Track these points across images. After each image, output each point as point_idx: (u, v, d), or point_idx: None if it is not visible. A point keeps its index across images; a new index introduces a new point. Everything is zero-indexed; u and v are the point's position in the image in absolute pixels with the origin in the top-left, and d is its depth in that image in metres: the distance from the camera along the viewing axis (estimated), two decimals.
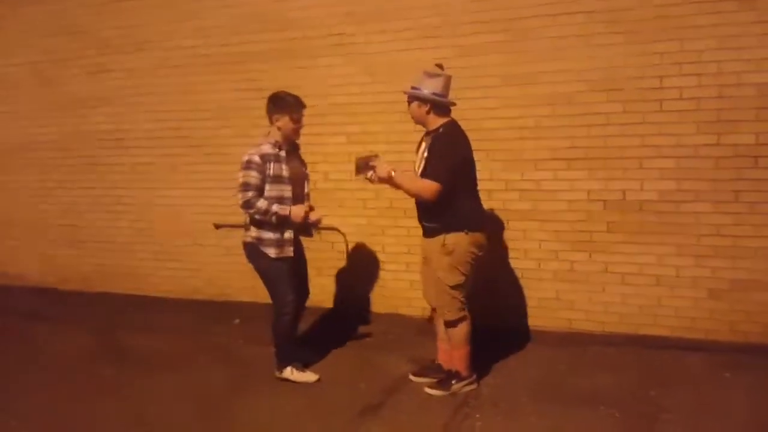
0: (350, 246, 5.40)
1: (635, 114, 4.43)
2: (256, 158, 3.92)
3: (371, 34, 5.04)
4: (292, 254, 4.08)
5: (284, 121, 4.01)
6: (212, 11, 5.66)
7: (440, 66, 3.80)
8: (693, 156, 4.34)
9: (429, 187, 3.60)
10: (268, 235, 4.01)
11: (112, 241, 6.29)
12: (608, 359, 4.28)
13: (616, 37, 4.40)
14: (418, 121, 3.83)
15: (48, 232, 6.61)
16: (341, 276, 5.47)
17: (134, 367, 4.52)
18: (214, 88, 5.68)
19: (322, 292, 5.47)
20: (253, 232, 4.04)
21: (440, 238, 3.70)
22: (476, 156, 4.76)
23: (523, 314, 4.84)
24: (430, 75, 3.73)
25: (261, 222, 3.99)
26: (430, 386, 3.90)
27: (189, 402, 3.97)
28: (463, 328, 3.83)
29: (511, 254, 4.82)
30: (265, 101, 5.49)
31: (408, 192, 3.73)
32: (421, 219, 3.87)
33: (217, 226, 5.77)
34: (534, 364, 4.26)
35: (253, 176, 3.90)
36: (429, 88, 3.71)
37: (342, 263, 5.45)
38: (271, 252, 4.02)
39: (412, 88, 3.77)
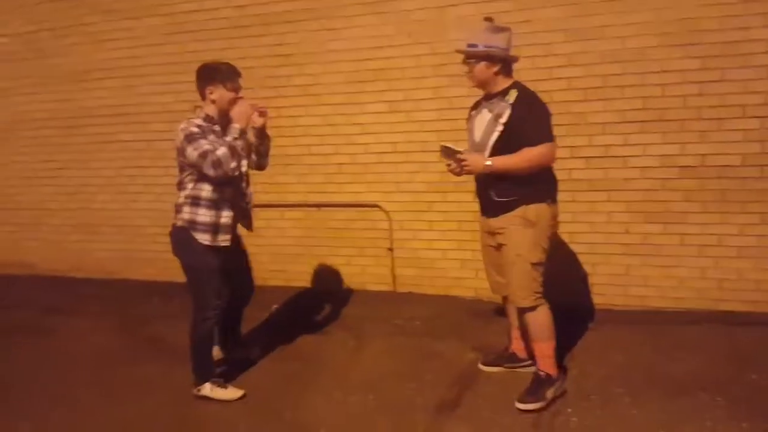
0: (394, 224, 4.98)
1: (715, 71, 4.03)
2: (194, 128, 3.31)
3: None
4: (228, 244, 3.50)
5: (219, 92, 3.39)
6: None
7: (490, 19, 3.32)
8: None
9: (544, 151, 3.14)
10: (203, 218, 3.40)
11: (129, 225, 5.83)
12: (693, 339, 3.93)
13: None
14: (481, 84, 3.29)
15: (54, 217, 6.13)
16: (385, 257, 5.06)
17: (172, 363, 4.08)
18: (235, 55, 5.14)
19: (363, 273, 5.10)
20: (186, 214, 3.41)
21: (520, 210, 3.22)
22: None
23: (590, 291, 4.49)
24: (497, 29, 3.23)
25: (197, 202, 3.39)
26: (522, 400, 3.30)
27: (243, 400, 3.60)
28: (544, 316, 3.33)
29: (576, 228, 4.44)
30: (292, 68, 5.10)
31: (522, 169, 3.15)
32: (489, 194, 3.31)
33: None
34: (615, 347, 3.89)
35: (205, 143, 3.27)
36: (499, 44, 3.20)
37: (385, 243, 5.03)
38: (205, 239, 3.41)
39: (470, 45, 3.24)
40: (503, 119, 3.17)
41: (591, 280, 4.48)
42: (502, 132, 3.18)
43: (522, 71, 4.28)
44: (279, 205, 5.13)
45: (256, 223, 5.27)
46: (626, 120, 4.22)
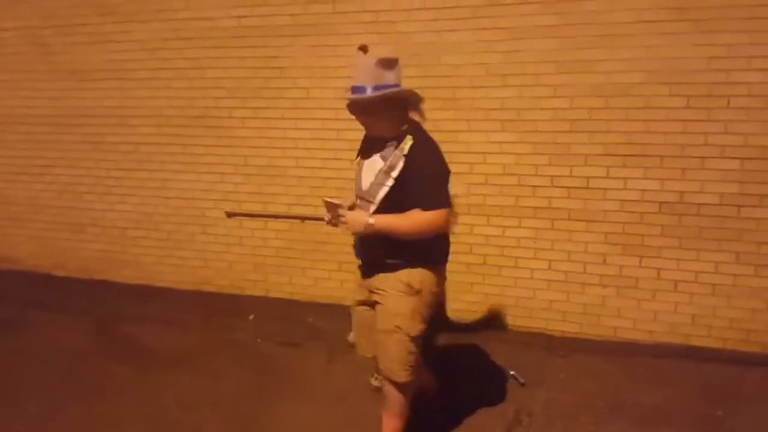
0: None
1: (700, 110, 4.09)
2: None
3: (412, 11, 4.61)
4: None
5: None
6: None
7: (364, 49, 2.89)
8: (759, 158, 4.01)
9: (436, 218, 2.72)
10: None
11: (113, 226, 5.84)
12: (662, 372, 3.97)
13: (683, 25, 4.03)
14: (379, 131, 2.92)
15: (42, 214, 6.13)
16: None
17: (146, 366, 4.17)
18: (231, 65, 5.24)
19: (342, 288, 5.09)
20: None
21: (404, 274, 2.84)
22: (521, 149, 4.49)
23: (565, 320, 4.52)
24: (390, 63, 2.80)
25: None
26: None
27: (212, 407, 3.66)
28: (410, 394, 3.05)
29: (553, 256, 4.49)
30: (285, 80, 5.15)
31: (408, 234, 2.75)
32: (371, 254, 2.92)
33: (229, 215, 5.30)
34: (584, 376, 3.93)
35: None
36: (393, 81, 2.82)
37: None
38: None
39: (359, 89, 2.79)
40: (395, 173, 2.76)
41: (565, 308, 4.51)
42: (393, 187, 2.77)
43: (509, 100, 4.44)
44: (264, 215, 5.15)
45: (239, 232, 5.39)
46: (609, 153, 4.27)
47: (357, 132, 4.86)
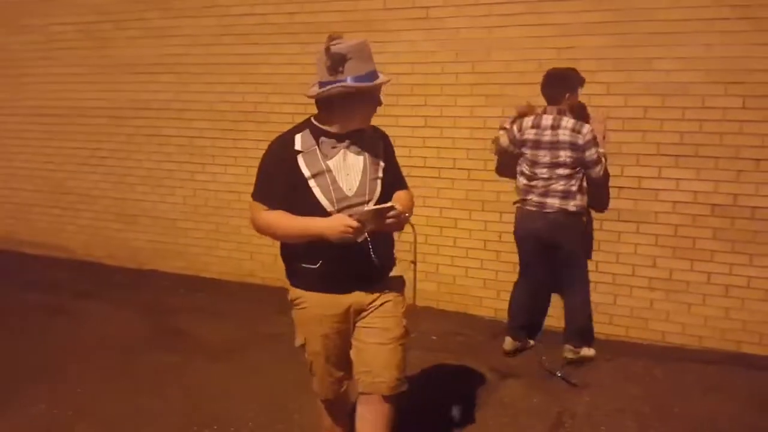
0: (419, 237, 5.01)
1: (756, 111, 3.96)
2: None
3: (462, 7, 4.59)
4: None
5: (575, 97, 4.02)
6: None
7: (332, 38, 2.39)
8: None
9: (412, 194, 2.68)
10: (583, 203, 4.00)
11: (164, 217, 6.00)
12: (712, 379, 3.86)
13: (744, 23, 3.92)
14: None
15: (96, 204, 6.33)
16: (407, 270, 5.07)
17: (193, 355, 4.24)
18: (280, 61, 5.31)
19: None
20: (579, 200, 3.95)
21: (400, 274, 2.63)
22: None
23: (611, 323, 4.45)
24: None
25: (582, 191, 3.97)
26: None
27: (253, 399, 3.69)
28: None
29: (601, 257, 4.41)
30: None
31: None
32: (383, 258, 2.51)
33: None
34: (631, 381, 3.85)
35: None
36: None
37: (409, 256, 5.05)
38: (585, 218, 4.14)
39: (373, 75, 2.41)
40: (383, 160, 2.50)
41: (611, 311, 4.44)
42: (384, 175, 2.49)
43: None
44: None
45: None
46: (661, 153, 4.18)
47: (402, 129, 4.90)
